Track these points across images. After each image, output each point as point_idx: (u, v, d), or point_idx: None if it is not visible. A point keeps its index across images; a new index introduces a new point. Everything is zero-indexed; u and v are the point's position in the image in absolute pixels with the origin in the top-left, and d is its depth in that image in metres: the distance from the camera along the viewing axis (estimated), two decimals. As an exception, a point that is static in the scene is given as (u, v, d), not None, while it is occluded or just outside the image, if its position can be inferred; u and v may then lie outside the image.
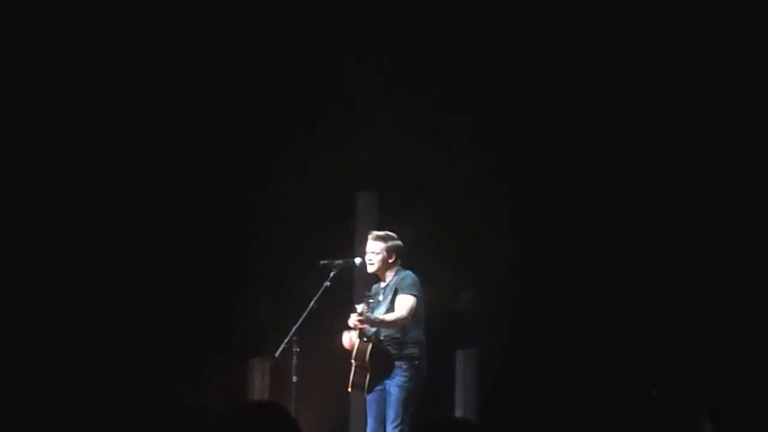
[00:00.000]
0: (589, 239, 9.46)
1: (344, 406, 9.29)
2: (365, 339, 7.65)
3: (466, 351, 9.81)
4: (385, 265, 7.80)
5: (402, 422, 7.60)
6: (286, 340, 7.67)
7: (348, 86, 9.35)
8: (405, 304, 7.68)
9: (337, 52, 9.19)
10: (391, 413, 7.64)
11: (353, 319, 7.64)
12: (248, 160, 9.44)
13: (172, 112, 9.19)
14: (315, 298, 7.70)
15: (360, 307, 7.61)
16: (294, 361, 7.70)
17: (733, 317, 9.15)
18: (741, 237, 9.19)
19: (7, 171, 8.97)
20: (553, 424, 4.53)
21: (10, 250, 8.95)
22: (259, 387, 9.52)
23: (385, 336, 7.71)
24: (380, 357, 7.65)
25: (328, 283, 7.75)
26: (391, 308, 7.71)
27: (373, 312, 7.69)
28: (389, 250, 7.80)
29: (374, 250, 7.79)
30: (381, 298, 7.81)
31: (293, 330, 7.67)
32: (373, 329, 7.67)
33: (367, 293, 7.79)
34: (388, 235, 7.86)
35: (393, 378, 7.67)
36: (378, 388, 7.71)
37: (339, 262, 7.86)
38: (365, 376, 7.68)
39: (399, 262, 7.82)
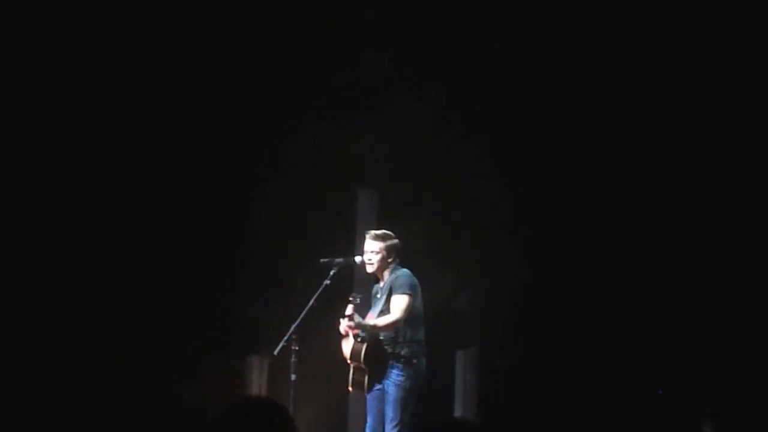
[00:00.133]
0: (590, 239, 9.45)
1: (343, 405, 9.28)
2: (359, 339, 7.64)
3: (465, 351, 9.81)
4: (383, 265, 7.78)
5: (400, 422, 7.59)
6: (285, 338, 7.67)
7: (348, 86, 9.35)
8: (399, 304, 7.65)
9: (337, 52, 9.19)
10: (389, 413, 7.62)
11: (344, 326, 7.64)
12: (248, 160, 9.43)
13: (172, 111, 9.19)
14: (314, 297, 7.70)
15: (348, 310, 7.58)
16: (293, 360, 7.70)
17: (732, 318, 9.14)
18: (741, 237, 9.18)
19: (7, 171, 8.97)
20: (552, 424, 4.52)
21: (11, 250, 8.95)
22: (257, 385, 9.51)
23: (383, 336, 7.70)
24: (376, 357, 7.64)
25: (328, 282, 7.74)
26: (386, 308, 7.69)
27: (370, 310, 7.69)
28: (388, 250, 7.78)
29: (373, 250, 7.77)
30: (379, 296, 7.81)
31: (292, 328, 7.67)
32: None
33: (352, 294, 7.74)
34: (385, 234, 7.84)
35: (390, 377, 7.66)
36: (377, 387, 7.71)
37: (339, 260, 7.85)
38: (364, 376, 7.69)
39: (397, 261, 7.81)
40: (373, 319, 7.74)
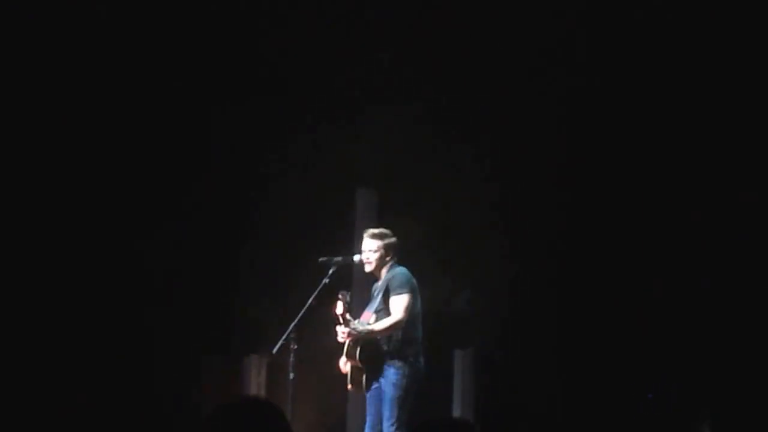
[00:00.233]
0: (589, 239, 9.46)
1: (341, 403, 9.28)
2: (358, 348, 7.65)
3: (464, 351, 9.81)
4: (381, 263, 7.76)
5: (398, 421, 7.55)
6: (284, 336, 7.66)
7: (348, 86, 9.35)
8: (399, 305, 7.61)
9: (337, 52, 9.20)
10: (387, 411, 7.60)
11: (340, 335, 7.62)
12: (248, 160, 9.44)
13: (172, 112, 9.20)
14: (313, 296, 7.69)
15: (339, 308, 7.54)
16: (291, 358, 7.67)
17: (732, 318, 9.14)
18: (740, 238, 9.18)
19: (7, 171, 8.99)
20: (551, 424, 4.54)
21: (11, 250, 8.97)
22: (256, 384, 9.52)
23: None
24: (371, 356, 7.63)
25: (327, 280, 7.71)
26: (382, 307, 7.68)
27: (366, 308, 7.69)
28: (386, 248, 7.76)
29: (371, 248, 7.75)
30: (376, 294, 7.81)
31: (291, 327, 7.65)
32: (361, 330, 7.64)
33: (341, 292, 7.68)
34: (383, 232, 7.83)
35: (387, 376, 7.63)
36: (375, 386, 7.70)
37: (338, 259, 7.83)
38: (362, 375, 7.69)
39: (395, 259, 7.79)
40: (369, 316, 7.73)
